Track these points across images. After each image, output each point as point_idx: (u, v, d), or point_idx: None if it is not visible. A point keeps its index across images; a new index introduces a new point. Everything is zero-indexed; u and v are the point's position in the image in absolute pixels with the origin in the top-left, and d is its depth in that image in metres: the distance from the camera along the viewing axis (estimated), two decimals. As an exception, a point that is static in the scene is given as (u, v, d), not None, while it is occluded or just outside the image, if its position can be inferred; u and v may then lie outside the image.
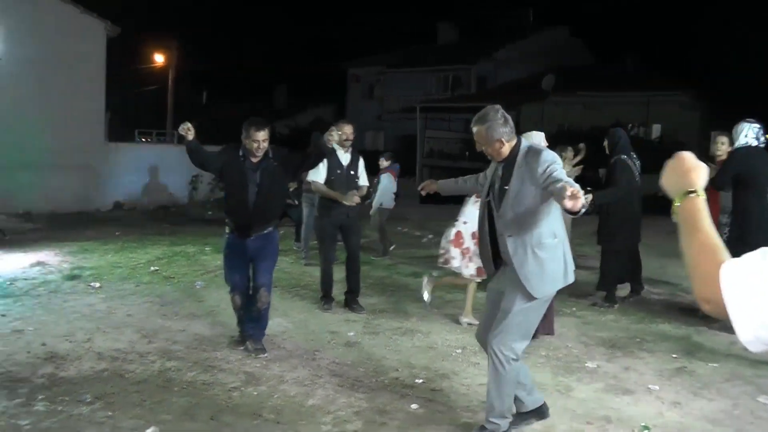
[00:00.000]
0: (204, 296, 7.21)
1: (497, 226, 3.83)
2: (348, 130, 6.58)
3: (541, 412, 4.17)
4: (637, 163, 7.28)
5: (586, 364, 5.37)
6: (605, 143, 7.36)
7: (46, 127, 15.03)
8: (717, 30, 29.70)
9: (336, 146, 6.49)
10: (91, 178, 16.26)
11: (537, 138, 7.11)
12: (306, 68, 42.84)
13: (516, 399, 4.00)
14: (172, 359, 5.22)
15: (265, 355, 5.25)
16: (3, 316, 6.28)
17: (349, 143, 6.65)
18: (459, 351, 5.58)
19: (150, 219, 14.81)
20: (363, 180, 6.87)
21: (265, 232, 5.32)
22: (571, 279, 3.90)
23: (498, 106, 3.82)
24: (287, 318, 6.41)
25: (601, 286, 7.45)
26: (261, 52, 46.39)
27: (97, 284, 7.60)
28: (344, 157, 6.68)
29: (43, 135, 14.96)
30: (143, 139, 25.93)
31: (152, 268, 8.61)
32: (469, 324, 6.25)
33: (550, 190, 3.49)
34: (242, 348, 5.40)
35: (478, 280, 6.16)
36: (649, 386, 4.93)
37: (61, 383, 4.67)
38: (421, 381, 4.86)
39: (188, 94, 35.94)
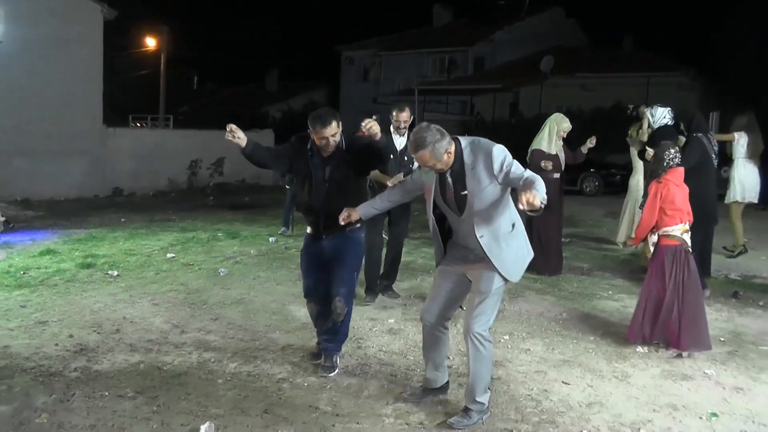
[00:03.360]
0: (229, 284, 6.98)
1: (459, 229, 3.88)
2: (402, 117, 6.32)
3: (444, 389, 4.23)
4: (716, 146, 7.25)
5: (637, 349, 5.21)
6: (681, 126, 7.54)
7: (43, 111, 14.75)
8: (712, 9, 29.61)
9: (391, 130, 6.30)
10: (90, 164, 15.95)
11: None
12: (299, 51, 42.44)
13: (427, 377, 4.19)
14: (210, 350, 5.01)
15: (332, 374, 4.53)
16: (23, 307, 6.04)
17: (404, 130, 6.39)
18: (506, 337, 5.40)
19: (151, 205, 14.52)
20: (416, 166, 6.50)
21: (344, 232, 4.55)
22: (532, 254, 4.01)
23: (425, 123, 3.77)
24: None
25: None
26: (253, 35, 45.87)
27: (115, 272, 7.35)
28: (399, 142, 6.39)
29: (41, 120, 14.68)
30: (137, 124, 25.50)
31: (169, 255, 8.36)
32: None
33: (519, 186, 3.58)
34: (316, 362, 4.72)
35: None
36: (705, 371, 4.79)
37: (97, 377, 4.46)
38: (475, 369, 4.68)
39: (179, 78, 35.43)
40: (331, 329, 4.62)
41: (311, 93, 37.64)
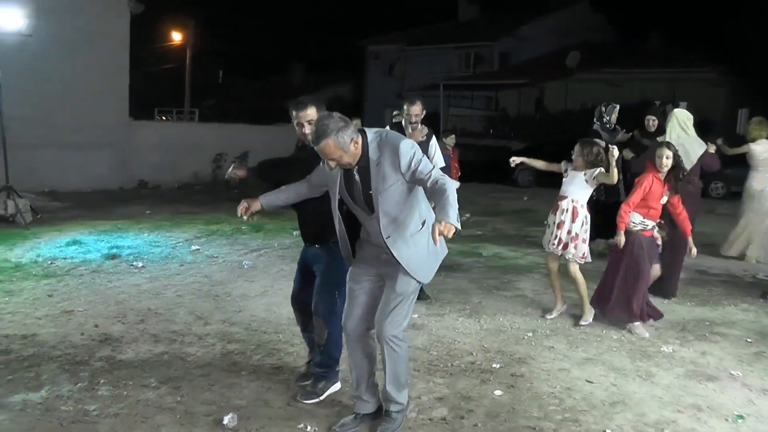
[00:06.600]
0: (253, 276, 7.01)
1: (370, 228, 3.54)
2: (414, 111, 6.02)
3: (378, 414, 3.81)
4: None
5: (662, 349, 5.15)
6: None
7: (70, 104, 14.87)
8: (742, 4, 29.13)
9: (404, 125, 6.17)
10: (115, 156, 16.08)
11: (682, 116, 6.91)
12: (324, 45, 42.37)
13: (361, 399, 3.76)
14: (233, 342, 5.05)
15: (309, 401, 4.04)
16: (50, 296, 6.13)
17: (416, 124, 6.10)
18: (530, 334, 5.37)
19: (176, 197, 14.61)
20: (435, 161, 6.00)
21: (327, 244, 3.99)
22: (445, 251, 3.68)
23: (326, 112, 3.46)
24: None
25: None
26: (278, 29, 45.93)
27: (140, 264, 7.42)
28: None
29: (68, 112, 14.80)
30: (163, 118, 25.73)
31: (193, 247, 8.43)
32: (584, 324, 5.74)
33: (426, 188, 3.32)
34: (303, 383, 4.25)
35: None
36: (731, 372, 4.72)
37: (121, 366, 4.52)
38: (498, 366, 4.66)
39: (204, 72, 35.61)
40: (318, 351, 4.16)
41: (336, 87, 37.61)
